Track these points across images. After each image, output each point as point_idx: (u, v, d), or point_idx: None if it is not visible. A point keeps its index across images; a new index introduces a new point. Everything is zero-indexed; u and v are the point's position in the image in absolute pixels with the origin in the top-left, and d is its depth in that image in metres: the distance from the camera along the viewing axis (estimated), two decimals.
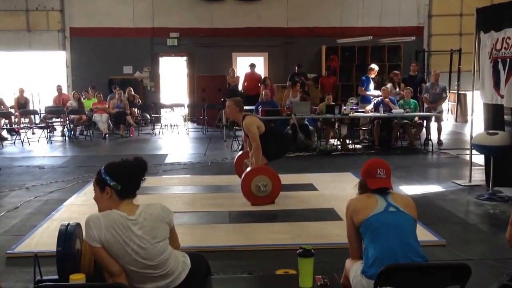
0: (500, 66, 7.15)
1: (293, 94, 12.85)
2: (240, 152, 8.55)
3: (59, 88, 15.56)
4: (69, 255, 3.82)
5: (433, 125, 12.31)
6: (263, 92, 12.96)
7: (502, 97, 7.17)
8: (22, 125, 14.48)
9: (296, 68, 15.78)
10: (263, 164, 7.03)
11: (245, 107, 11.75)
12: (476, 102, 8.22)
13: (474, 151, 8.01)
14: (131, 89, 16.01)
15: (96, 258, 2.96)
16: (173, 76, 18.56)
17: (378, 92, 12.80)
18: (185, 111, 16.74)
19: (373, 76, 13.43)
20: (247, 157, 7.53)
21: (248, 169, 7.06)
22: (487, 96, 7.59)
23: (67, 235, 3.96)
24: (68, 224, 4.13)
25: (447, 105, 16.73)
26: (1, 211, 6.84)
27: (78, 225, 4.27)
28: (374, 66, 13.59)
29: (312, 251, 3.04)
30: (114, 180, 2.98)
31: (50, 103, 15.50)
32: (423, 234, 5.16)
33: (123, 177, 3.00)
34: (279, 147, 7.34)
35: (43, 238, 5.64)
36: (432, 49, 18.06)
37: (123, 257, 2.90)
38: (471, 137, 7.86)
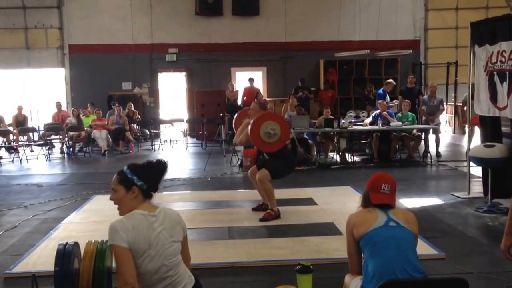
0: (497, 79, 7.18)
1: (290, 108, 12.88)
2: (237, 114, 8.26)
3: (58, 105, 15.55)
4: (67, 275, 3.81)
5: (431, 137, 12.32)
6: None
7: (500, 109, 7.19)
8: (20, 143, 14.41)
9: (300, 82, 15.84)
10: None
11: None
12: (473, 114, 8.23)
13: (472, 163, 8.02)
14: (132, 104, 16.03)
15: (119, 261, 2.97)
16: (172, 92, 18.60)
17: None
18: (185, 126, 16.76)
19: (389, 89, 13.74)
20: (246, 114, 7.49)
21: (252, 120, 7.02)
22: (483, 108, 7.62)
23: (65, 254, 4.05)
24: (66, 243, 4.18)
25: (445, 117, 16.76)
26: None
27: (76, 244, 4.28)
28: (391, 80, 14.06)
29: (311, 267, 3.05)
30: (141, 179, 3.11)
31: (49, 120, 15.47)
32: (423, 248, 5.15)
33: (149, 177, 3.14)
34: (283, 167, 7.20)
35: (41, 258, 5.59)
36: (428, 62, 18.17)
37: (143, 254, 2.98)
38: (469, 149, 7.88)
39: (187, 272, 3.21)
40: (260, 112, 7.18)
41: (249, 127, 6.96)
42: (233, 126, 8.12)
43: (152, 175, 3.18)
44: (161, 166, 3.24)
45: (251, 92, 16.18)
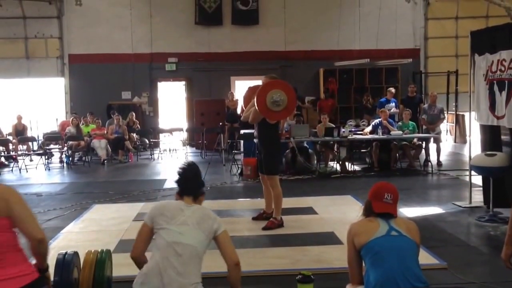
0: (496, 88, 7.17)
1: (290, 117, 12.85)
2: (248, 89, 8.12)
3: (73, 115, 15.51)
4: (67, 285, 3.79)
5: (432, 146, 12.29)
6: None
7: (498, 118, 7.18)
8: (19, 152, 14.40)
9: None
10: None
11: (245, 131, 11.92)
12: (474, 123, 8.22)
13: (473, 172, 7.99)
14: (133, 114, 16.05)
15: (137, 235, 3.60)
16: (172, 101, 18.57)
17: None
18: (184, 135, 16.73)
19: (390, 98, 13.98)
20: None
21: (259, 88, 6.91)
22: (482, 117, 7.62)
23: (65, 264, 4.06)
24: (66, 253, 4.20)
25: (446, 126, 16.76)
26: None
27: (75, 253, 4.27)
28: (392, 89, 14.34)
29: (312, 277, 3.03)
30: (176, 182, 3.69)
31: (49, 129, 15.46)
32: (424, 257, 5.13)
33: (179, 180, 3.67)
34: (278, 158, 7.30)
35: None
36: (429, 71, 18.15)
37: (162, 225, 3.45)
38: (470, 158, 7.86)
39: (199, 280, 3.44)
40: (267, 80, 7.08)
41: (256, 95, 6.78)
42: (243, 101, 8.09)
43: (181, 180, 3.66)
44: (189, 169, 3.70)
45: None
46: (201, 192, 3.70)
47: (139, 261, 3.54)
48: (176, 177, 3.68)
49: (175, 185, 3.74)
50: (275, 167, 7.14)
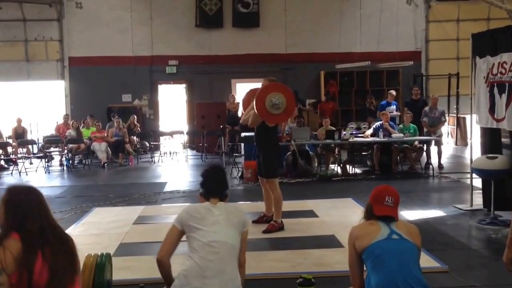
0: (496, 91, 7.15)
1: (291, 119, 12.83)
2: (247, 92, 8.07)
3: (66, 118, 15.52)
4: None
5: (433, 149, 12.26)
6: None
7: (497, 121, 7.18)
8: (19, 155, 14.35)
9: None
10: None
11: (246, 134, 11.89)
12: (475, 125, 8.20)
13: (474, 175, 7.96)
14: (135, 117, 16.04)
15: (165, 237, 3.66)
16: (172, 104, 18.54)
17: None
18: (184, 138, 16.68)
19: (391, 100, 13.99)
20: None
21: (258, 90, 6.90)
22: (482, 120, 7.63)
23: None
24: None
25: (447, 129, 16.72)
26: None
27: None
28: (392, 92, 14.35)
29: (313, 280, 3.01)
30: (200, 184, 3.81)
31: (49, 132, 15.43)
32: (425, 261, 5.09)
33: (204, 182, 3.79)
34: (276, 160, 7.26)
35: None
36: (430, 73, 18.11)
37: (199, 228, 3.51)
38: (471, 161, 7.83)
39: (236, 283, 3.49)
40: (266, 83, 7.05)
41: (255, 98, 6.77)
42: (242, 104, 8.10)
43: (205, 180, 3.78)
44: (213, 171, 3.84)
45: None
46: (225, 194, 3.80)
47: (164, 265, 3.58)
48: (202, 179, 3.80)
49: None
50: (274, 170, 7.12)
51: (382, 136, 11.73)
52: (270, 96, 6.67)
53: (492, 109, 7.27)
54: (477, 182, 8.47)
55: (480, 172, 7.51)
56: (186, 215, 3.60)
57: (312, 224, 7.36)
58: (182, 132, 16.54)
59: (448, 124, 16.41)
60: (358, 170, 12.14)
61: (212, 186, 3.75)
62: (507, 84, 6.94)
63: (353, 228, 3.37)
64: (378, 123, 12.20)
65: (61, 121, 15.59)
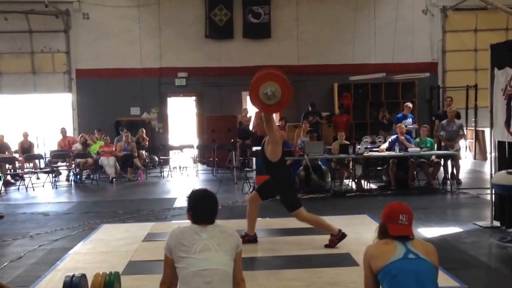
0: None
1: (303, 133, 12.54)
2: None
3: (63, 131, 15.23)
4: None
5: (451, 163, 11.99)
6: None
7: None
8: (26, 170, 14.15)
9: (310, 107, 15.46)
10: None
11: (257, 148, 11.55)
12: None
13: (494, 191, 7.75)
14: (144, 131, 15.81)
15: (163, 267, 3.44)
16: (182, 117, 18.35)
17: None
18: (195, 152, 16.42)
19: (407, 113, 13.63)
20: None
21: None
22: (498, 133, 7.53)
23: (72, 287, 4.16)
24: (73, 275, 4.28)
25: (465, 143, 16.30)
26: (4, 261, 6.55)
27: (83, 276, 4.38)
28: (409, 104, 13.98)
29: None
30: (188, 206, 3.52)
31: (55, 147, 15.14)
32: (444, 280, 5.02)
33: (192, 208, 3.49)
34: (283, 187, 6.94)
35: None
36: (447, 85, 17.74)
37: (187, 257, 3.28)
38: (491, 176, 7.66)
39: None
40: (262, 72, 6.69)
41: (249, 88, 6.47)
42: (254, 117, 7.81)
43: (194, 209, 3.47)
44: (204, 197, 3.52)
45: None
46: (214, 220, 3.54)
47: None
48: (190, 202, 3.54)
49: (185, 204, 3.48)
50: (295, 200, 6.91)
51: (398, 150, 11.34)
52: (264, 86, 6.33)
53: (508, 122, 7.15)
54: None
55: (501, 188, 7.22)
56: (173, 242, 3.36)
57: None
58: (192, 146, 16.28)
59: (467, 138, 15.99)
60: (373, 186, 11.82)
61: (201, 213, 3.48)
62: None
63: (368, 248, 3.31)
64: (393, 137, 11.86)
65: (71, 134, 15.28)
